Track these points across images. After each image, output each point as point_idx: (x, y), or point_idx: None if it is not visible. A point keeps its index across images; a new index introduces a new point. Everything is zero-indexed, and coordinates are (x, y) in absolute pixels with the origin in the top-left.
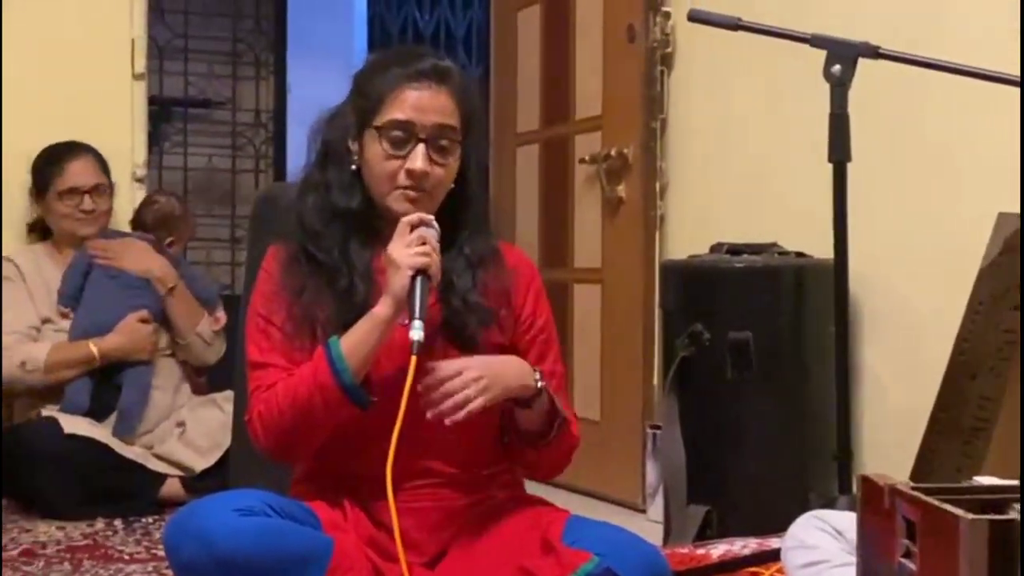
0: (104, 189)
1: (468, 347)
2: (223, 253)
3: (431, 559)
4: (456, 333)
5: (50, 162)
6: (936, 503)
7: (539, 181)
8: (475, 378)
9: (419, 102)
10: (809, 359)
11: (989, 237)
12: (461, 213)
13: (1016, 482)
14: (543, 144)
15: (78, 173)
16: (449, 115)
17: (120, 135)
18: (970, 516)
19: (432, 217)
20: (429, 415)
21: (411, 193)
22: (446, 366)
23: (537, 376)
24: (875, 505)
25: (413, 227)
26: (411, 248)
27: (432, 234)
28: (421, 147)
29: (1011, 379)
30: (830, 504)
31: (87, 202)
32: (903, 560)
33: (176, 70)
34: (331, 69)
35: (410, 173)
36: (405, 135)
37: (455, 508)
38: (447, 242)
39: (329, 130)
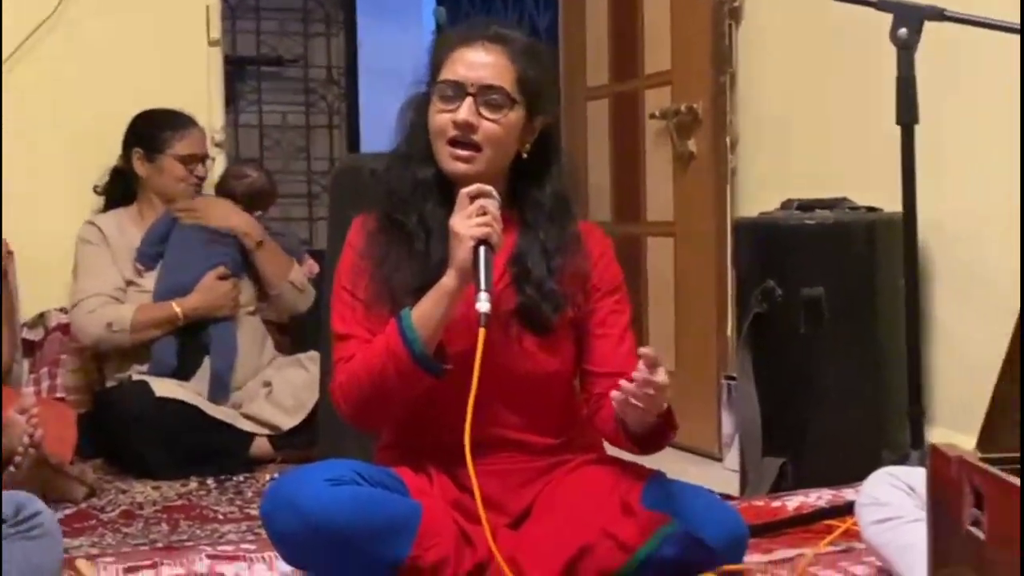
0: (208, 160)
1: (543, 331)
2: (300, 209)
3: (515, 519)
4: (530, 319)
5: (169, 127)
6: (1003, 475)
7: (610, 135)
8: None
9: (470, 60)
10: (882, 313)
11: None
12: (538, 192)
13: None
14: (613, 98)
15: (198, 141)
16: (501, 74)
17: (197, 100)
18: None
19: (491, 188)
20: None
21: (460, 151)
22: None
23: None
24: (944, 475)
25: (473, 198)
26: (472, 219)
27: (492, 204)
28: (468, 100)
29: None
30: (903, 459)
31: (200, 169)
32: (971, 528)
33: (248, 28)
34: (399, 23)
35: (456, 124)
36: (455, 91)
37: (535, 469)
38: (523, 222)
39: (412, 107)
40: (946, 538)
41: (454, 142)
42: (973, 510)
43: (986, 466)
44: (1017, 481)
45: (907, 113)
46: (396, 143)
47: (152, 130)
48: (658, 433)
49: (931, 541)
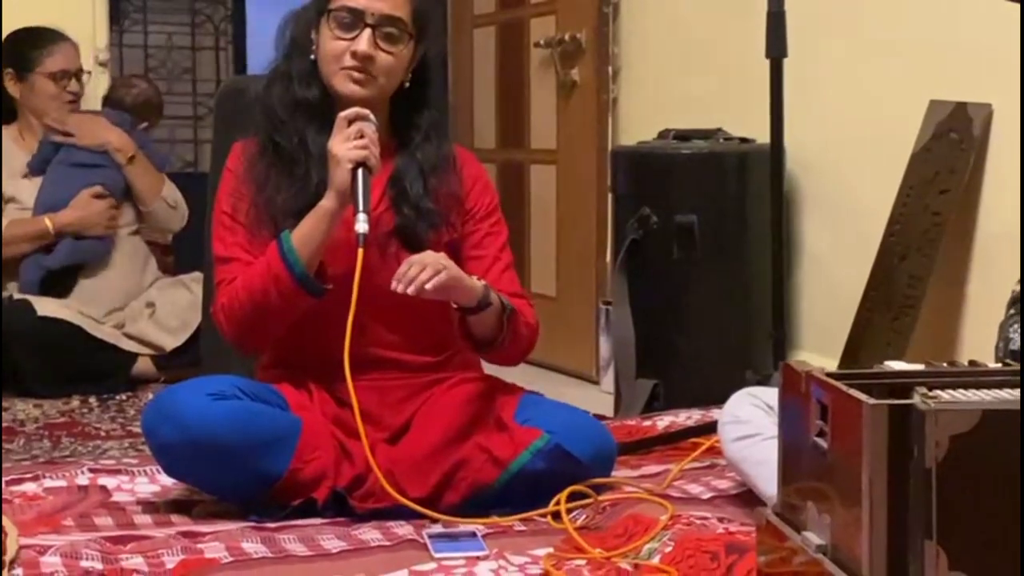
0: (83, 74)
1: (419, 249)
2: (186, 131)
3: (393, 435)
4: (407, 237)
5: (37, 44)
6: (844, 388)
7: (495, 63)
8: (435, 259)
9: None
10: (752, 241)
11: (921, 123)
12: (416, 116)
13: (921, 366)
14: (499, 27)
15: (69, 56)
16: (399, 7)
17: (81, 19)
18: (871, 401)
19: (368, 111)
20: (393, 285)
21: (355, 74)
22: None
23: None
24: (794, 389)
25: (351, 122)
26: (349, 142)
27: (370, 127)
28: (367, 31)
29: (938, 259)
30: (765, 380)
31: (74, 84)
32: (817, 439)
33: None
34: None
35: (355, 54)
36: (353, 19)
37: (413, 386)
38: (401, 145)
39: (294, 24)
40: (795, 450)
41: (348, 66)
42: (818, 422)
43: (830, 380)
44: (856, 395)
45: (776, 47)
46: (274, 61)
47: (20, 49)
48: (500, 333)
49: (781, 453)
